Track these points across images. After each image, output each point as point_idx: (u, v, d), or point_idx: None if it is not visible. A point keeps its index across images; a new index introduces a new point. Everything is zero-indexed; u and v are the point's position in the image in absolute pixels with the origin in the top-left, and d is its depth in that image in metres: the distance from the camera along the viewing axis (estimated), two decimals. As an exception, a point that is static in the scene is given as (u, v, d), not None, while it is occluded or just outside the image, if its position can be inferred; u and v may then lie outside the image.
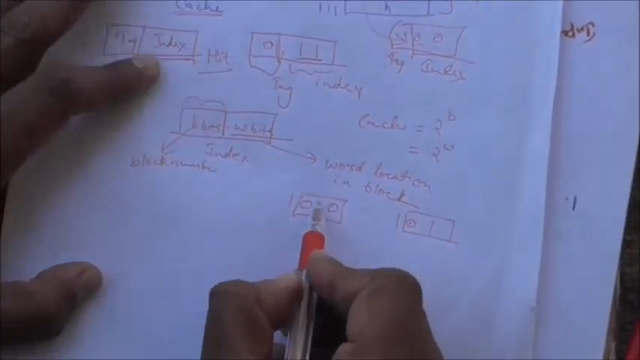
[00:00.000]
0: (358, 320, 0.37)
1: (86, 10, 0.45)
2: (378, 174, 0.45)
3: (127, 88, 0.45)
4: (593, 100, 0.45)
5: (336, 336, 0.38)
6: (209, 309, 0.39)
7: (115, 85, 0.45)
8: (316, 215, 0.44)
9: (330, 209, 0.45)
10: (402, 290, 0.38)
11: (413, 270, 0.43)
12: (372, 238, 0.45)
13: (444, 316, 0.44)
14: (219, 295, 0.39)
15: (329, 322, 0.40)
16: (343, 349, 0.37)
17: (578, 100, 0.45)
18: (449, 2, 0.46)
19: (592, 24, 0.45)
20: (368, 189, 0.45)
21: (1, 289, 0.42)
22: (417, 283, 0.39)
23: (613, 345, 0.45)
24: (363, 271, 0.39)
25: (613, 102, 0.45)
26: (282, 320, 0.40)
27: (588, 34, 0.45)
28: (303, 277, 0.41)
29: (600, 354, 0.44)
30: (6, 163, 0.42)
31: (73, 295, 0.44)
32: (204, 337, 0.39)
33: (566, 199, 0.45)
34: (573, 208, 0.45)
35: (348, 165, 0.45)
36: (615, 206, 0.45)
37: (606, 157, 0.45)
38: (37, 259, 0.44)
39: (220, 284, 0.40)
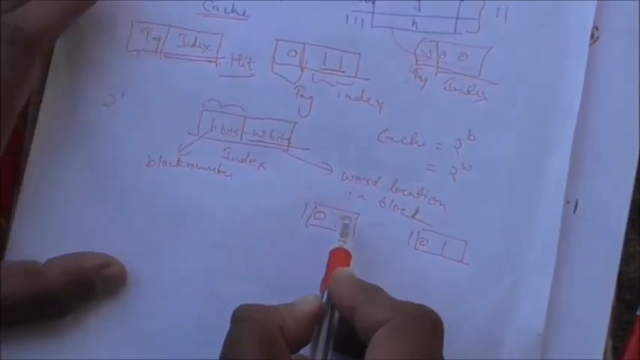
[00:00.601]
0: (377, 356, 0.37)
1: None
2: (393, 189, 0.45)
3: (78, 10, 0.44)
4: (596, 102, 0.45)
5: (355, 340, 0.38)
6: (229, 333, 0.39)
7: (65, 11, 0.43)
8: (344, 231, 0.44)
9: (343, 222, 0.45)
10: (422, 330, 0.38)
11: (422, 289, 0.44)
12: (383, 254, 0.45)
13: (450, 337, 0.43)
14: (241, 322, 0.39)
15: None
16: None
17: (581, 103, 0.45)
18: (476, 21, 0.45)
19: (596, 28, 0.45)
20: (382, 204, 0.45)
21: (10, 267, 0.43)
22: (439, 322, 0.38)
23: (610, 344, 0.45)
24: (385, 302, 0.39)
25: (616, 104, 0.45)
26: (303, 343, 0.40)
27: (592, 37, 0.45)
28: (324, 298, 0.41)
29: (600, 353, 0.44)
30: None
31: (89, 283, 0.44)
32: (221, 358, 0.39)
33: (568, 202, 0.45)
34: (574, 211, 0.45)
35: (364, 178, 0.45)
36: (617, 209, 0.45)
37: (608, 160, 0.45)
38: (46, 252, 0.44)
39: (244, 308, 0.39)
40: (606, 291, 0.44)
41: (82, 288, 0.44)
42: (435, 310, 0.39)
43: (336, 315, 0.40)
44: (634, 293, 0.46)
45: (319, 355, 0.39)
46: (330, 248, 0.43)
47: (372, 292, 0.40)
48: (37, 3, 0.43)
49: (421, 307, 0.38)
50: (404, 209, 0.45)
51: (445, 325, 0.42)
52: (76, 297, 0.44)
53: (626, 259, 0.45)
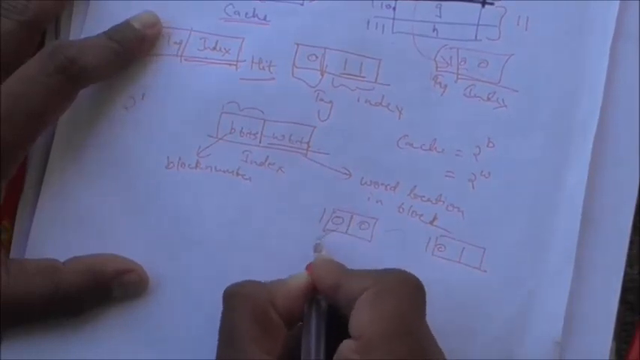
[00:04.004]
0: (362, 319, 0.37)
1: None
2: (412, 195, 0.45)
3: (131, 57, 0.45)
4: (608, 109, 0.45)
5: (338, 341, 0.38)
6: (223, 310, 0.40)
7: (119, 57, 0.45)
8: (317, 248, 0.44)
9: (362, 227, 0.45)
10: (405, 291, 0.38)
11: (439, 295, 0.43)
12: (400, 260, 0.44)
13: (467, 344, 0.43)
14: (233, 297, 0.40)
15: (333, 327, 0.40)
16: (346, 345, 0.37)
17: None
18: (497, 28, 0.46)
19: None
20: (401, 210, 0.45)
21: (31, 264, 0.43)
22: (420, 285, 0.39)
23: (613, 345, 0.45)
24: (367, 272, 0.40)
25: (617, 107, 0.45)
26: (296, 318, 0.40)
27: None
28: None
29: (607, 355, 0.44)
30: (18, 145, 0.43)
31: (106, 288, 0.44)
32: (219, 338, 0.39)
33: None
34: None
35: (382, 184, 0.45)
36: (622, 212, 0.44)
37: (612, 162, 0.45)
38: (66, 252, 0.44)
39: (234, 285, 0.40)
40: (613, 294, 0.44)
41: (98, 291, 0.44)
42: (452, 316, 0.40)
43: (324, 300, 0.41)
44: (636, 295, 0.46)
45: (312, 343, 0.39)
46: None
47: (351, 270, 0.41)
48: (95, 42, 0.44)
49: (402, 271, 0.39)
50: (422, 215, 0.45)
51: (462, 332, 0.42)
52: (90, 299, 0.44)
53: (629, 261, 0.45)
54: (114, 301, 0.44)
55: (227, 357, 0.39)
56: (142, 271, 0.44)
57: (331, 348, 0.38)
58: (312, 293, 0.41)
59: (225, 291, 0.40)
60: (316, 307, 0.40)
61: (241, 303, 0.39)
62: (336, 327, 0.39)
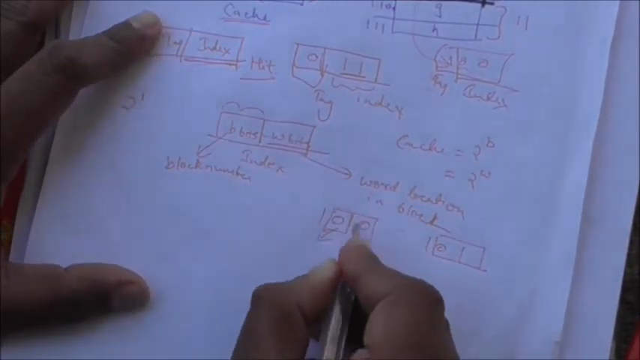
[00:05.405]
0: (375, 329, 0.37)
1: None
2: (412, 195, 0.45)
3: (131, 56, 0.45)
4: (608, 109, 0.45)
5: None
6: (249, 311, 0.39)
7: (119, 56, 0.45)
8: (354, 229, 0.44)
9: (362, 227, 0.45)
10: (421, 303, 0.38)
11: (439, 294, 0.43)
12: (400, 259, 0.44)
13: (466, 344, 0.43)
14: (258, 299, 0.39)
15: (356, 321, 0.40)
16: (358, 356, 0.37)
17: None
18: (497, 28, 0.45)
19: None
20: (401, 210, 0.45)
21: (32, 269, 0.43)
22: (438, 296, 0.38)
23: (613, 345, 0.44)
24: (388, 275, 0.39)
25: (617, 107, 0.45)
26: (321, 311, 0.40)
27: None
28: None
29: (607, 355, 0.44)
30: (18, 145, 0.43)
31: (106, 297, 0.44)
32: (238, 338, 0.39)
33: None
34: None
35: (382, 184, 0.45)
36: (622, 212, 0.44)
37: (612, 162, 0.45)
38: (65, 255, 0.44)
39: (261, 287, 0.40)
40: (612, 294, 0.44)
41: (98, 301, 0.44)
42: (452, 316, 0.39)
43: (351, 295, 0.40)
44: (636, 295, 0.46)
45: (331, 342, 0.39)
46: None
47: (378, 263, 0.40)
48: (94, 41, 0.44)
49: (422, 282, 0.39)
50: (422, 215, 0.45)
51: (462, 332, 0.42)
52: (90, 308, 0.44)
53: (629, 261, 0.45)
54: (111, 312, 0.44)
55: (241, 358, 0.38)
56: (144, 284, 0.44)
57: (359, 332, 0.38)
58: (340, 280, 0.40)
59: (253, 293, 0.40)
60: (340, 298, 0.40)
61: (265, 306, 0.39)
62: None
